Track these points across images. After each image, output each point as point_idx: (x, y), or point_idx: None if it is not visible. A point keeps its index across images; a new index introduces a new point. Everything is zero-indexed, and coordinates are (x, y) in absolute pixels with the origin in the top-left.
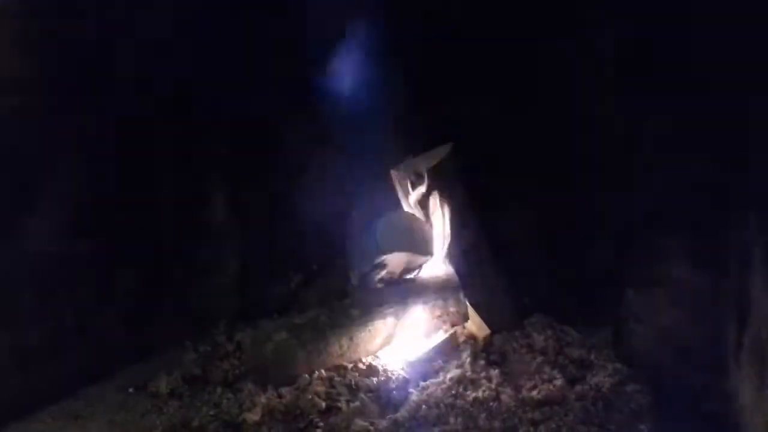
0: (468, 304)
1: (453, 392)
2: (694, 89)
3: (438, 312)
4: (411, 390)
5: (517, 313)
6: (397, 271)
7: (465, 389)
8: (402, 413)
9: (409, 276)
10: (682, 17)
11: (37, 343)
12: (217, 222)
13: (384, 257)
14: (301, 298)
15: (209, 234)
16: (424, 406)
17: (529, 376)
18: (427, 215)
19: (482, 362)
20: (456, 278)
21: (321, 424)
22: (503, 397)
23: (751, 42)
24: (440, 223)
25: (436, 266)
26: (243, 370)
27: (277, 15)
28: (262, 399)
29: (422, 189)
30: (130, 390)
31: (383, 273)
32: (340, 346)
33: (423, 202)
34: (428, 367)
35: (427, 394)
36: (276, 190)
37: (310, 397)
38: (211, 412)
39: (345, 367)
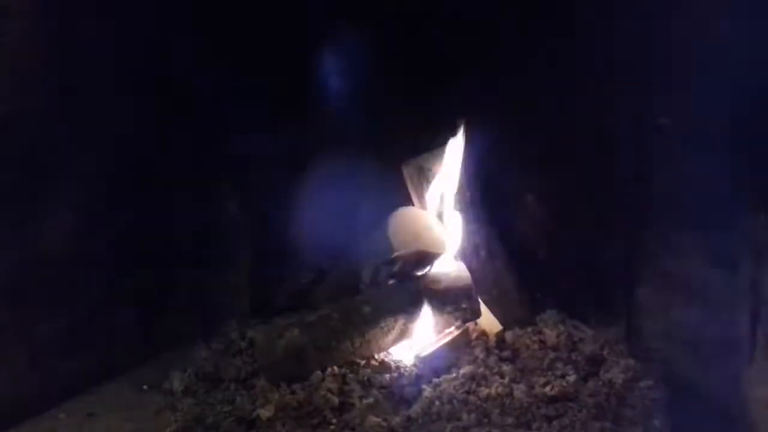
0: (480, 300)
1: (466, 388)
2: (704, 81)
3: (449, 308)
4: (424, 386)
5: (529, 309)
6: (409, 267)
7: (478, 385)
8: (415, 409)
9: (420, 272)
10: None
11: (50, 341)
12: (228, 220)
13: (395, 254)
14: (312, 295)
15: (221, 232)
16: (437, 402)
17: (541, 372)
18: (437, 211)
19: (494, 358)
20: (467, 274)
21: (334, 420)
22: (516, 393)
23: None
24: (451, 218)
25: (448, 262)
26: (256, 367)
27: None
28: (276, 396)
29: (433, 184)
30: (144, 387)
31: (394, 269)
32: (352, 343)
33: (434, 198)
34: (441, 364)
35: (440, 390)
36: (287, 187)
37: (323, 393)
38: (225, 409)
39: (358, 364)
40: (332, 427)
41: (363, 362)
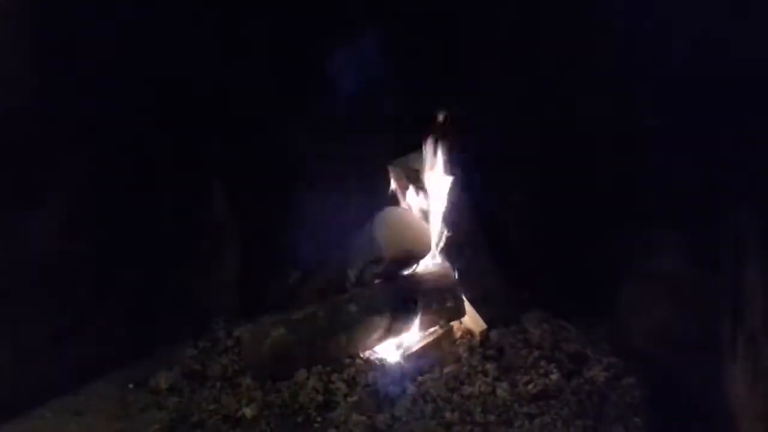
0: (464, 298)
1: (449, 387)
2: (689, 86)
3: (434, 307)
4: (408, 384)
5: (513, 308)
6: (394, 266)
7: (461, 383)
8: (399, 408)
9: (406, 271)
10: None
11: (36, 339)
12: (215, 218)
13: (381, 253)
14: (299, 294)
15: (208, 230)
16: (420, 401)
17: (525, 371)
18: (423, 210)
19: (479, 357)
20: (452, 273)
21: (319, 418)
22: (499, 391)
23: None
24: (436, 218)
25: (433, 261)
26: (242, 365)
27: (275, 13)
28: (261, 394)
29: (419, 184)
30: (130, 386)
31: (380, 269)
32: (338, 342)
33: (419, 197)
34: (425, 362)
35: (424, 389)
36: (274, 186)
37: (308, 392)
38: (210, 407)
39: (343, 362)
40: (316, 425)
41: (348, 361)
